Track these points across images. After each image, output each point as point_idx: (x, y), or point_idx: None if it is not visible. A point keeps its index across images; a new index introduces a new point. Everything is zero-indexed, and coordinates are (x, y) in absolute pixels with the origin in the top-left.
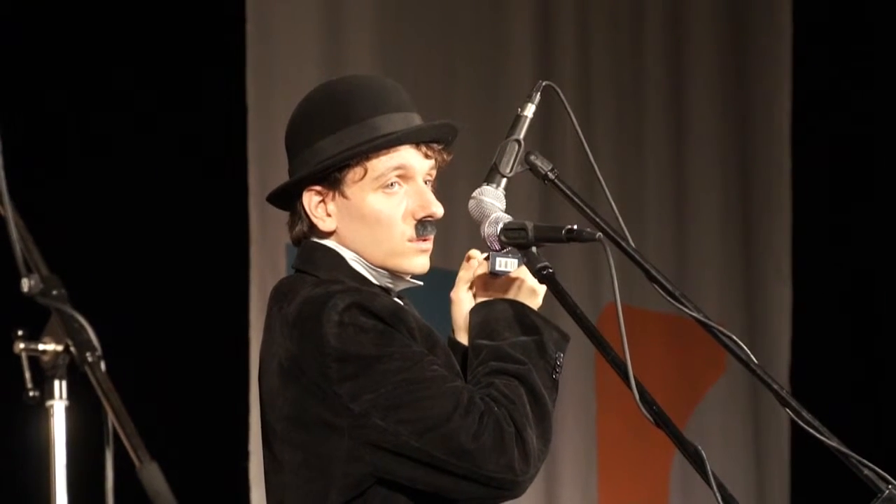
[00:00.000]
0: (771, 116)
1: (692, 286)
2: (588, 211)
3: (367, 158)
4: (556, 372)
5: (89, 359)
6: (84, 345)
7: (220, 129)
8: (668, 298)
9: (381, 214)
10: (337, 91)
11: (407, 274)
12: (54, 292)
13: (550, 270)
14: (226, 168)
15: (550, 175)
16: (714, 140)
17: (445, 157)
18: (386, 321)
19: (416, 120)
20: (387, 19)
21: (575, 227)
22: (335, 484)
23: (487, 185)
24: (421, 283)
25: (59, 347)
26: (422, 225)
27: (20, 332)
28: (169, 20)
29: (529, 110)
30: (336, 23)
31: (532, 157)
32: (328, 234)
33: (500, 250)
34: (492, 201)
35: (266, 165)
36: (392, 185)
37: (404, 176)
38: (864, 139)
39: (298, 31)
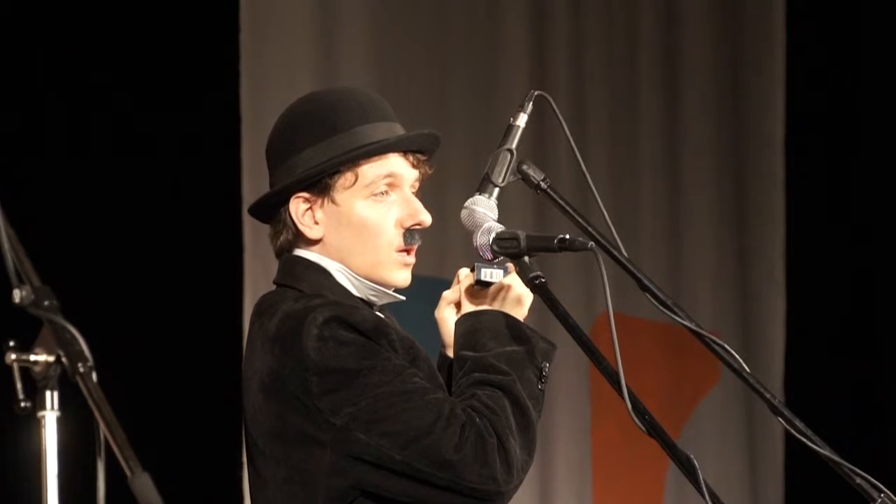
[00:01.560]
0: (765, 125)
1: (686, 295)
2: (580, 220)
3: (357, 165)
4: (542, 382)
5: (81, 369)
6: (76, 355)
7: (214, 139)
8: (660, 307)
9: (370, 222)
10: (321, 101)
11: (389, 287)
12: (46, 303)
13: (543, 280)
14: (219, 178)
15: (543, 185)
16: (709, 148)
17: (429, 169)
18: (366, 334)
19: (400, 130)
20: (381, 28)
21: (567, 236)
22: (319, 498)
23: (480, 194)
24: (403, 297)
25: (51, 358)
26: (409, 233)
27: (11, 343)
28: (163, 32)
29: (521, 120)
30: (330, 32)
31: (524, 167)
32: (314, 243)
33: (492, 260)
34: (484, 211)
35: (260, 175)
36: (381, 192)
37: (393, 184)
38: (860, 148)
39: (292, 42)
